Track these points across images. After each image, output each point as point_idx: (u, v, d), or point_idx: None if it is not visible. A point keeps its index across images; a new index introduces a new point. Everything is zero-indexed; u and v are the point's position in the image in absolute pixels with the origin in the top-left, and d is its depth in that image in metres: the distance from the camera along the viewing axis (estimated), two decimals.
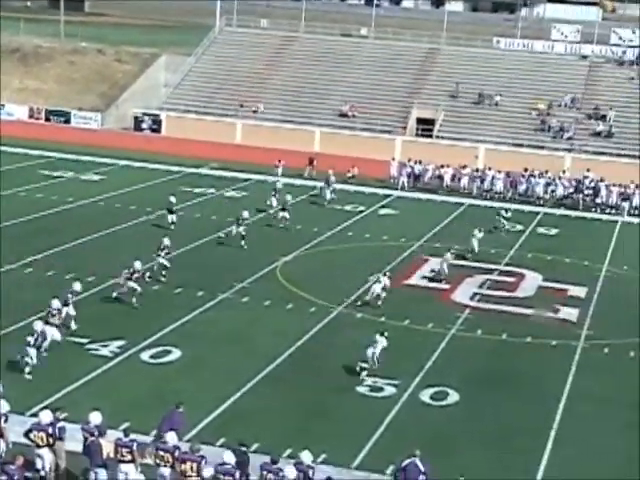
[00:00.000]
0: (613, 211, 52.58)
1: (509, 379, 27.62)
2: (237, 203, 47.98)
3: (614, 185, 53.29)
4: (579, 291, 37.07)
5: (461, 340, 30.72)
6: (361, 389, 26.07)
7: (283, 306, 32.68)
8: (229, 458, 18.77)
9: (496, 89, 66.34)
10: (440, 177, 55.40)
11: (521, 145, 61.39)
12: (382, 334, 27.13)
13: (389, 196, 52.55)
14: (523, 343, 30.18)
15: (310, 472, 18.92)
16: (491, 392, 26.59)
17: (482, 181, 54.57)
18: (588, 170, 54.52)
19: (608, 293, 36.99)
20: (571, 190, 54.50)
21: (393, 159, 57.24)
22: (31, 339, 25.12)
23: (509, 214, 46.29)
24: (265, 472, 18.98)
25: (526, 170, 54.59)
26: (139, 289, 30.93)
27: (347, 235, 43.49)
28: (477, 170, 55.77)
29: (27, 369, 24.98)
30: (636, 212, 52.39)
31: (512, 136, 62.51)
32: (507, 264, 40.48)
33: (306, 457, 19.23)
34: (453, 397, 26.07)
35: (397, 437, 23.30)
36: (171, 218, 41.63)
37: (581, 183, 54.01)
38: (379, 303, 32.65)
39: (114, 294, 31.29)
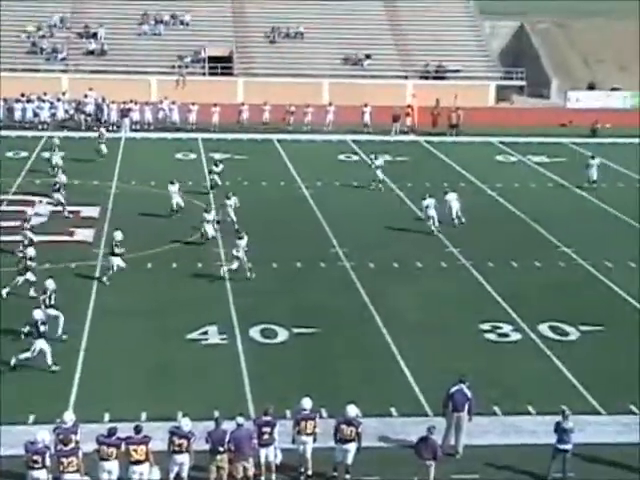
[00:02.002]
0: (115, 128, 53.55)
1: None
2: None
3: (113, 102, 54.26)
4: (92, 211, 37.65)
5: None
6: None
7: None
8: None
9: None
10: None
11: (15, 70, 59.91)
12: None
13: None
14: (44, 269, 30.05)
15: None
16: None
17: None
18: (91, 89, 54.94)
19: (120, 210, 37.89)
20: (72, 111, 54.73)
21: None
22: None
23: (220, 168, 41.67)
24: None
25: (23, 95, 53.70)
26: None
27: None
28: None
29: None
30: (137, 127, 53.90)
31: (5, 61, 60.64)
32: (16, 193, 39.95)
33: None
34: None
35: None
36: None
37: (81, 103, 54.36)
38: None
39: None
